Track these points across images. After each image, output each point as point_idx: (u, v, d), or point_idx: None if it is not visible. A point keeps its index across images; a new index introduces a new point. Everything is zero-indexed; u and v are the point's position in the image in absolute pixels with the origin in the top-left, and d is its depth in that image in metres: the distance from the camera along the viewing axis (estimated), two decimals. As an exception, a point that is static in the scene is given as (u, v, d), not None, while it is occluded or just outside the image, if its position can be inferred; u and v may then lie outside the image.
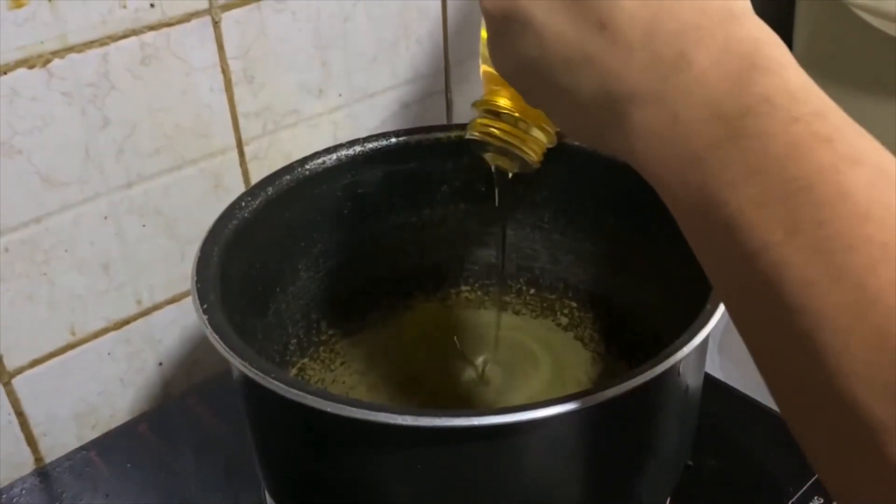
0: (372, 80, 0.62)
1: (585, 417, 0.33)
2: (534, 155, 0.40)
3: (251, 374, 0.33)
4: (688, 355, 0.34)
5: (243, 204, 0.44)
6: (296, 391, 0.32)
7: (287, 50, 0.57)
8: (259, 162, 0.59)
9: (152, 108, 0.52)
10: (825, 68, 0.87)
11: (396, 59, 0.63)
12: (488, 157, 0.41)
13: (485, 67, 0.40)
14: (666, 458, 0.40)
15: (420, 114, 0.67)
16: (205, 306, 0.37)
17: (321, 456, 0.36)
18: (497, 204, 0.45)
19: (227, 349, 0.34)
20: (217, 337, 0.35)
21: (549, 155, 0.41)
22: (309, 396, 0.32)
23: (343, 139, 0.62)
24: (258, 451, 0.40)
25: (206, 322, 0.36)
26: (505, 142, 0.39)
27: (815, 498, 0.46)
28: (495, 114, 0.39)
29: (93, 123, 0.50)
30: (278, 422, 0.37)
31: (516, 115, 0.39)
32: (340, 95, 0.61)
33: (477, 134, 0.40)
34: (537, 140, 0.40)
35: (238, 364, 0.34)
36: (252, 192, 0.45)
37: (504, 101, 0.39)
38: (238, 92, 0.56)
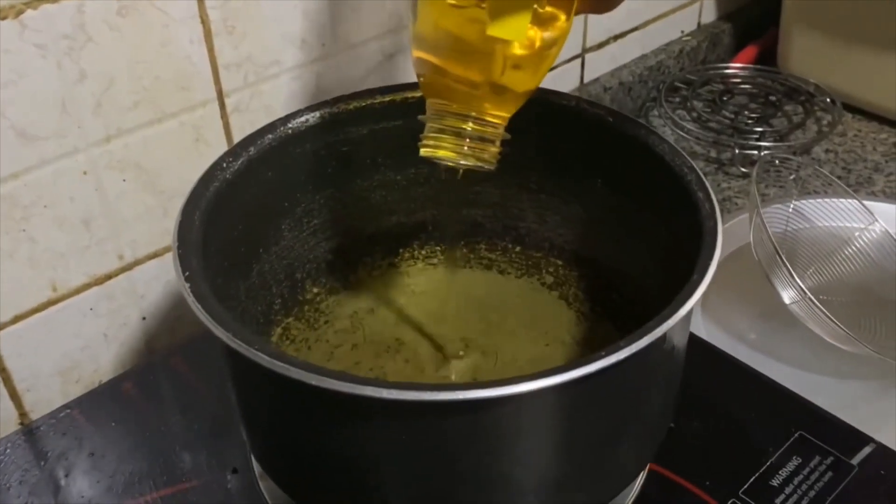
0: (355, 29, 0.61)
1: (572, 389, 0.33)
2: (487, 164, 0.40)
3: (235, 346, 0.33)
4: (674, 326, 0.35)
5: (224, 165, 0.43)
6: (280, 363, 0.32)
7: (268, -1, 0.55)
8: (240, 114, 0.58)
9: (130, 60, 0.51)
10: (813, 20, 0.86)
11: (380, 7, 0.62)
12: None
13: (418, 53, 0.39)
14: (650, 423, 0.41)
15: (404, 64, 0.65)
16: (187, 274, 0.36)
17: (305, 426, 0.36)
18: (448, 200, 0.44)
19: (211, 319, 0.34)
20: (200, 307, 0.35)
21: (538, 116, 0.40)
22: (293, 369, 0.32)
23: (326, 90, 0.62)
24: (243, 418, 0.40)
25: (189, 290, 0.36)
26: (456, 161, 0.39)
27: (794, 457, 0.47)
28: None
29: (69, 76, 0.49)
30: (262, 392, 0.37)
31: (467, 127, 0.39)
32: (323, 45, 0.60)
33: (428, 154, 0.40)
34: (491, 149, 0.39)
35: (222, 335, 0.34)
36: (233, 152, 0.44)
37: (448, 119, 0.38)
38: (218, 43, 0.54)
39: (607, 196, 0.48)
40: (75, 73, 0.49)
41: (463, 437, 0.34)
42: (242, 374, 0.37)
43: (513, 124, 0.40)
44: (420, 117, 0.40)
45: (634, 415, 0.38)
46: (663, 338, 0.34)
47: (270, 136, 0.46)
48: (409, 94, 0.49)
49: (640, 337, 0.33)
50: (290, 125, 0.47)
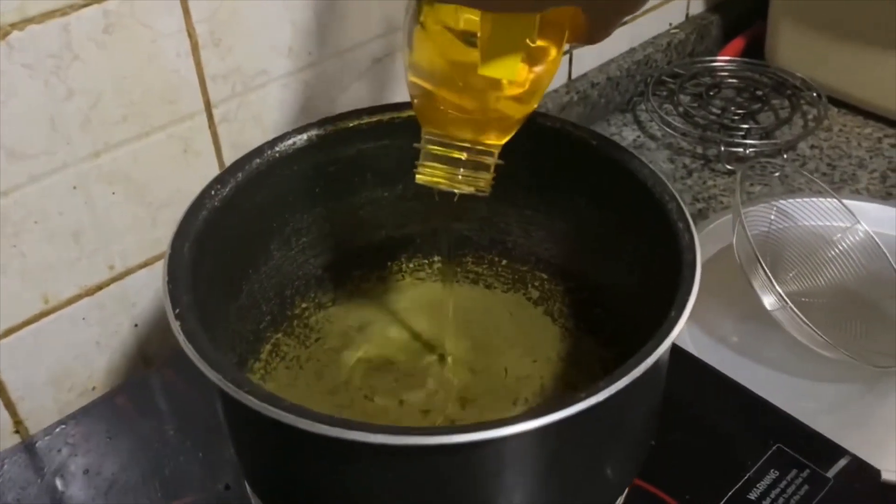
0: (342, 36, 0.61)
1: (553, 428, 0.33)
2: (482, 191, 0.41)
3: (226, 388, 0.34)
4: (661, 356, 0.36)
5: (213, 193, 0.44)
6: (270, 407, 0.33)
7: (254, 10, 0.55)
8: (229, 124, 0.58)
9: (118, 75, 0.51)
10: (801, 13, 0.86)
11: (367, 12, 0.62)
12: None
13: (413, 78, 0.39)
14: (632, 447, 0.42)
15: (392, 68, 0.66)
16: (177, 311, 0.37)
17: (293, 463, 0.37)
18: (439, 223, 0.45)
19: (202, 360, 0.35)
20: (191, 347, 0.35)
21: (523, 134, 0.41)
22: (283, 413, 0.33)
23: (315, 97, 0.62)
24: (234, 447, 0.41)
25: (180, 329, 0.36)
26: (451, 188, 0.40)
27: (771, 471, 0.48)
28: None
29: (57, 94, 0.49)
30: (251, 430, 0.38)
31: (462, 157, 0.40)
32: (310, 53, 0.60)
33: (425, 181, 0.41)
34: (485, 176, 0.40)
35: (213, 377, 0.34)
36: (221, 178, 0.44)
37: (443, 149, 0.39)
38: (205, 55, 0.54)
39: (591, 215, 0.49)
40: (63, 90, 0.49)
41: (448, 475, 0.35)
42: (233, 411, 0.38)
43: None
44: (416, 145, 0.41)
45: (616, 443, 0.40)
46: (642, 375, 0.35)
47: (258, 160, 0.46)
48: (396, 115, 0.49)
49: (620, 377, 0.34)
50: (277, 148, 0.47)
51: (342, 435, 0.32)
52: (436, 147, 0.40)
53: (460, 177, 0.40)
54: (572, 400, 0.33)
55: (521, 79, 0.38)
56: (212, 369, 0.35)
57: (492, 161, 0.41)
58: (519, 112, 0.40)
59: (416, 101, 0.40)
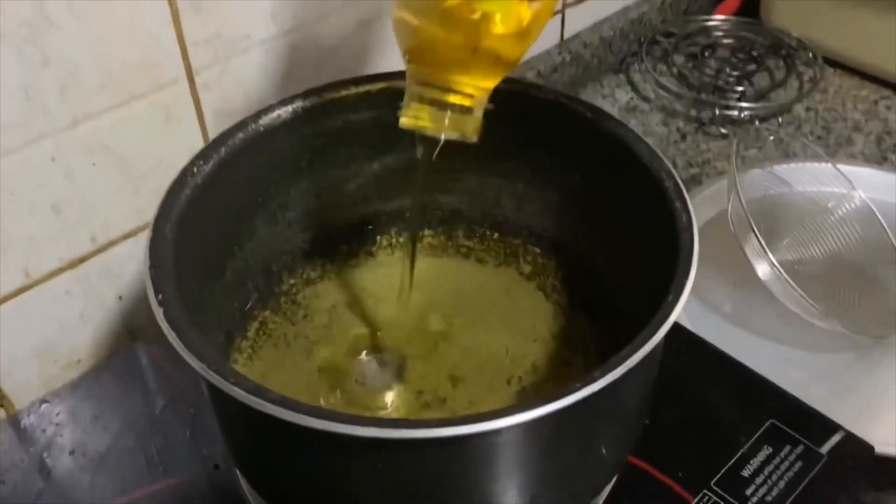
0: (328, -2, 0.59)
1: (548, 418, 0.33)
2: (469, 137, 0.39)
3: (211, 379, 0.33)
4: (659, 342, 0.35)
5: (195, 170, 0.42)
6: (257, 399, 0.32)
7: (236, -27, 0.53)
8: (211, 91, 0.56)
9: (95, 43, 0.49)
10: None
11: (354, -27, 0.60)
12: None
13: (399, 13, 0.37)
14: (626, 429, 0.41)
15: (379, 31, 0.64)
16: (160, 297, 0.36)
17: (281, 452, 0.36)
18: (419, 173, 0.43)
19: (186, 350, 0.34)
20: (175, 335, 0.34)
21: (516, 106, 0.39)
22: (271, 406, 0.32)
23: (300, 62, 0.60)
24: (222, 432, 0.40)
25: (163, 317, 0.35)
26: (437, 132, 0.38)
27: (765, 447, 0.48)
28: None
29: (31, 63, 0.48)
30: (238, 419, 0.37)
31: (450, 99, 0.37)
32: (295, 16, 0.58)
33: (409, 125, 0.39)
34: (473, 121, 0.38)
35: (198, 367, 0.33)
36: (203, 154, 0.43)
37: (430, 90, 0.37)
38: (185, 21, 0.53)
39: (585, 190, 0.48)
40: (37, 59, 0.48)
41: (440, 466, 0.34)
42: (220, 400, 0.37)
43: (492, 113, 0.39)
44: (398, 84, 0.39)
45: (611, 428, 0.39)
46: (639, 362, 0.34)
47: (241, 134, 0.45)
48: (384, 85, 0.47)
49: (617, 365, 0.33)
50: (261, 122, 0.45)
51: (331, 428, 0.31)
52: (421, 88, 0.38)
53: (447, 121, 0.38)
54: (569, 390, 0.32)
55: (515, 15, 0.36)
56: (196, 360, 0.34)
57: (480, 104, 0.38)
58: (512, 52, 0.38)
59: (401, 36, 0.38)
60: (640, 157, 0.43)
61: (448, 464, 0.34)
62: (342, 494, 0.36)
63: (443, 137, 0.39)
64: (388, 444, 0.32)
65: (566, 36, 0.82)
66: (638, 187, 0.43)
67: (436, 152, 0.40)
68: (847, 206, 0.67)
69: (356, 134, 0.49)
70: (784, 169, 0.68)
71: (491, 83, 0.39)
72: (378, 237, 0.54)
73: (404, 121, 0.39)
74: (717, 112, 0.78)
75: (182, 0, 0.51)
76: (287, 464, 0.37)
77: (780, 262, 0.56)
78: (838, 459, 0.48)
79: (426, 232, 0.55)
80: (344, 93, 0.47)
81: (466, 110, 0.38)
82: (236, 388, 0.33)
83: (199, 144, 0.56)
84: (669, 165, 0.42)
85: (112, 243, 0.57)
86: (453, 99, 0.38)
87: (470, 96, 0.38)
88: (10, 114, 0.48)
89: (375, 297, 0.52)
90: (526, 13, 0.37)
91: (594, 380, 0.33)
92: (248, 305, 0.49)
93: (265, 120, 0.45)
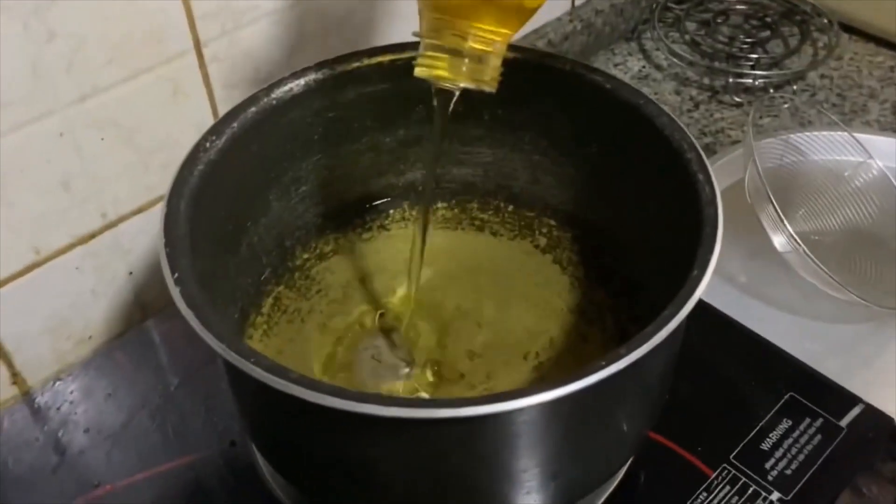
0: (338, -34, 0.58)
1: (572, 397, 0.32)
2: (487, 86, 0.38)
3: (230, 359, 0.33)
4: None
5: (208, 145, 0.41)
6: (277, 378, 0.32)
7: (244, -58, 0.52)
8: (219, 63, 0.56)
9: (101, 16, 0.49)
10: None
11: (363, -59, 0.58)
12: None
13: None
14: (651, 400, 0.41)
15: (386, 2, 0.62)
16: (176, 276, 0.35)
17: (301, 433, 0.36)
18: (434, 131, 0.41)
19: (204, 329, 0.33)
20: (192, 314, 0.34)
21: (533, 80, 0.38)
22: (291, 385, 0.32)
23: (309, 32, 0.59)
24: (238, 410, 0.40)
25: (180, 296, 0.35)
26: (454, 81, 0.37)
27: (784, 420, 0.48)
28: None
29: (37, 38, 0.47)
30: (257, 397, 0.37)
31: (467, 46, 0.36)
32: (304, -14, 0.57)
33: (424, 74, 0.37)
34: (492, 70, 0.37)
35: (217, 347, 0.33)
36: (216, 129, 0.42)
37: (447, 37, 0.36)
38: (193, -9, 0.52)
39: (603, 161, 0.47)
40: (43, 33, 0.47)
41: (462, 444, 0.34)
42: (237, 378, 0.37)
43: (507, 82, 0.38)
44: (414, 32, 0.37)
45: (632, 404, 0.39)
46: (664, 339, 0.34)
47: (254, 108, 0.44)
48: (397, 56, 0.46)
49: (641, 343, 0.33)
50: (273, 95, 0.45)
51: (353, 408, 0.31)
52: (437, 36, 0.37)
53: (464, 69, 0.37)
54: (594, 368, 0.32)
55: None
56: (216, 339, 0.33)
57: (499, 51, 0.37)
58: None
59: None
60: (660, 128, 0.42)
61: (470, 443, 0.34)
62: (361, 471, 0.36)
63: (460, 87, 0.38)
64: (410, 424, 0.32)
65: (577, 3, 0.80)
66: (658, 159, 0.42)
67: (451, 105, 0.39)
68: (864, 176, 0.66)
69: (369, 106, 0.48)
70: (799, 137, 0.67)
71: (511, 30, 0.38)
72: (391, 210, 0.54)
73: (419, 70, 0.38)
74: (731, 80, 0.77)
75: (189, -29, 0.50)
76: (306, 441, 0.36)
77: (796, 233, 0.56)
78: (858, 432, 0.47)
79: (440, 204, 0.54)
80: (356, 64, 0.46)
81: (484, 58, 0.37)
82: (256, 368, 0.32)
83: (208, 118, 0.56)
84: (691, 136, 0.41)
85: (122, 218, 0.56)
86: (472, 43, 0.37)
87: (489, 41, 0.37)
88: (18, 89, 0.47)
89: (389, 272, 0.52)
90: None
91: (620, 357, 0.32)
92: (262, 281, 0.49)
93: (277, 93, 0.45)
